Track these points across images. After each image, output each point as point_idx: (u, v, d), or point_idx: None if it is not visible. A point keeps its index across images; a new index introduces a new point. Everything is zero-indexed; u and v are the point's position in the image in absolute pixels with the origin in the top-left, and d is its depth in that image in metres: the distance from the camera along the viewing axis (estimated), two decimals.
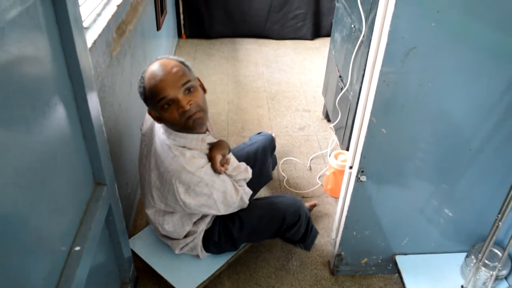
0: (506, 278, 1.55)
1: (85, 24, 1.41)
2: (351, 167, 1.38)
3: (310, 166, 2.23)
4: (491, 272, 1.45)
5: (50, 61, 0.85)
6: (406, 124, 1.24)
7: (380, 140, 1.26)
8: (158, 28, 2.62)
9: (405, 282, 1.54)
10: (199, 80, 1.33)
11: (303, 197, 2.03)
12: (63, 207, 0.96)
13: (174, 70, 1.20)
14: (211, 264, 1.52)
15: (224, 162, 1.33)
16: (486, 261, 1.48)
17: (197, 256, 1.51)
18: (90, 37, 1.36)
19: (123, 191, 1.70)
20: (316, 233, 1.64)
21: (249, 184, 1.48)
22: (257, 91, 2.93)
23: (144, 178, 1.38)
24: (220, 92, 2.89)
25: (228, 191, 1.33)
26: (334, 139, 2.35)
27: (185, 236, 1.46)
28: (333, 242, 1.60)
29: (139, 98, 1.29)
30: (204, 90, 1.33)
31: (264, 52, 3.53)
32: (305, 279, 1.65)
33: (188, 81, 1.22)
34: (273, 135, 1.93)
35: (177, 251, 1.49)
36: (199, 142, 1.29)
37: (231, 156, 1.38)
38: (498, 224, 1.34)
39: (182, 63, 1.26)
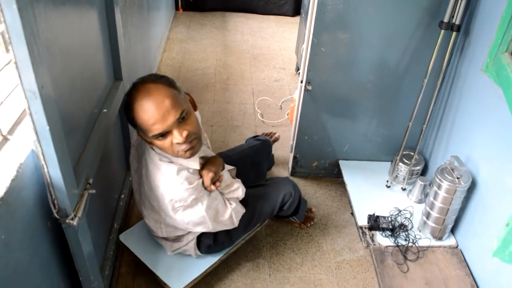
0: (422, 174, 2.04)
1: None
2: (301, 81, 1.86)
3: (281, 106, 2.72)
4: (407, 167, 1.95)
5: None
6: (338, 45, 1.72)
7: (321, 57, 1.74)
8: None
9: (344, 176, 2.03)
10: (188, 96, 1.26)
11: (272, 126, 2.53)
12: (96, 85, 1.42)
13: (166, 102, 1.10)
14: (203, 263, 1.53)
15: (217, 179, 1.30)
16: (405, 160, 1.97)
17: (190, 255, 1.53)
18: None
19: None
20: (305, 202, 1.76)
21: (247, 184, 1.47)
22: (242, 52, 3.41)
23: (138, 189, 1.38)
24: (210, 52, 3.38)
25: (220, 209, 1.32)
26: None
27: (178, 240, 1.46)
28: (291, 147, 2.09)
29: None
30: (195, 107, 1.29)
31: (250, 24, 4.02)
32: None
33: (182, 111, 1.13)
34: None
35: (169, 253, 1.51)
36: (190, 160, 1.25)
37: (224, 173, 1.37)
38: (409, 124, 1.84)
39: (171, 84, 1.16)
